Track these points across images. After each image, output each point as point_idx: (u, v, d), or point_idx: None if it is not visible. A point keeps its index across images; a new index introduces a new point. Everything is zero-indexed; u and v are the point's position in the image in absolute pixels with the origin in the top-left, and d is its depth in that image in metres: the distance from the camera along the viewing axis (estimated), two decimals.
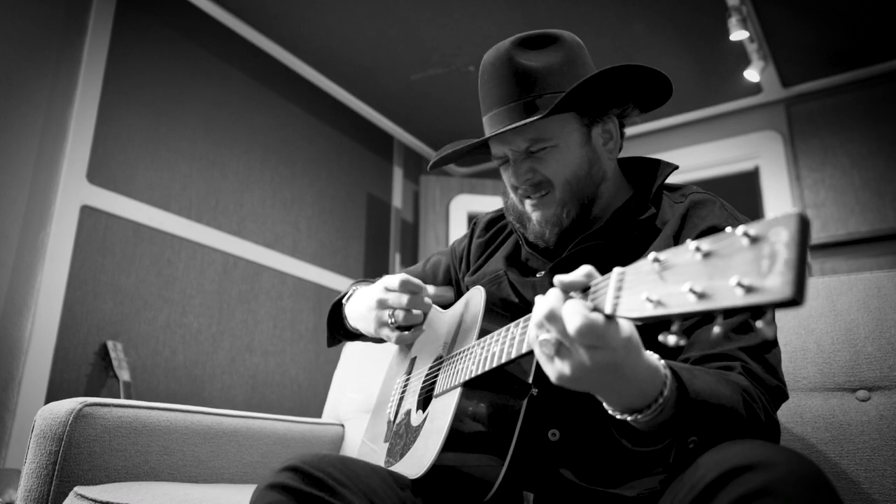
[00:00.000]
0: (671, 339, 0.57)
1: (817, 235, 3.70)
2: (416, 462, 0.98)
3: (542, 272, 1.14)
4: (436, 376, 1.11)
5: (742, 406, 0.80)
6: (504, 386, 0.96)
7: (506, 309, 1.08)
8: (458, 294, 1.38)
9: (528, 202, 1.13)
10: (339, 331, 1.41)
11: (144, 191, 2.96)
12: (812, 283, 1.37)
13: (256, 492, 0.84)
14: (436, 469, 0.92)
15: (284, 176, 3.73)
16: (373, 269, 4.27)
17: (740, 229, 0.50)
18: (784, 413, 1.27)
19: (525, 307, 1.07)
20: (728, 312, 0.50)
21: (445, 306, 1.29)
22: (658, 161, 1.18)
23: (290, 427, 1.69)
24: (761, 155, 4.05)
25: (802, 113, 3.94)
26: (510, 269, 1.19)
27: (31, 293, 2.53)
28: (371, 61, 3.74)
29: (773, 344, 0.94)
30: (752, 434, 0.79)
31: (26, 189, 2.62)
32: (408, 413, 1.18)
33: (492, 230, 1.34)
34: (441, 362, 1.12)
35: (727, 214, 1.03)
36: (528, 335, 0.73)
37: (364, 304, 1.21)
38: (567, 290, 0.70)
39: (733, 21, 3.12)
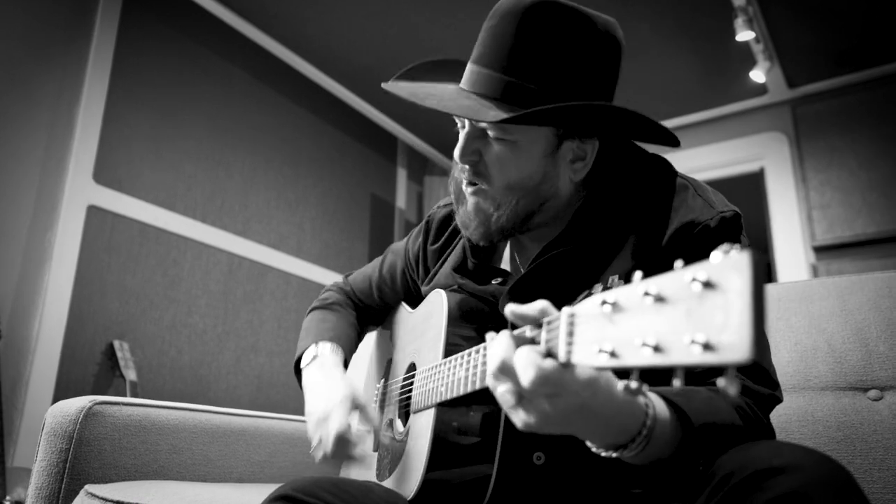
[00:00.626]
0: (633, 385, 0.54)
1: (823, 236, 3.69)
2: (405, 483, 0.98)
3: (499, 279, 1.06)
4: (409, 390, 1.09)
5: (739, 419, 0.78)
6: (479, 404, 0.93)
7: (469, 315, 1.02)
8: (419, 298, 1.29)
9: (466, 188, 1.01)
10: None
11: (150, 191, 2.96)
12: (822, 283, 1.37)
13: None
14: (425, 487, 0.93)
15: (289, 176, 3.73)
16: None
17: (689, 273, 0.46)
18: (796, 412, 1.26)
19: (488, 311, 1.02)
20: (687, 368, 0.47)
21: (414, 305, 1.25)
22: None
23: (297, 426, 1.68)
24: (767, 156, 4.04)
25: (808, 114, 3.93)
26: (462, 280, 1.09)
27: (38, 293, 2.53)
28: (374, 60, 3.74)
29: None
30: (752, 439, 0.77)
31: (33, 189, 2.63)
32: (391, 422, 1.17)
33: (445, 233, 1.23)
34: (413, 375, 1.10)
35: (702, 203, 0.93)
36: (488, 383, 0.68)
37: (315, 405, 1.12)
38: (519, 322, 0.67)
39: (739, 21, 3.11)
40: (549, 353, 0.62)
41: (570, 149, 0.97)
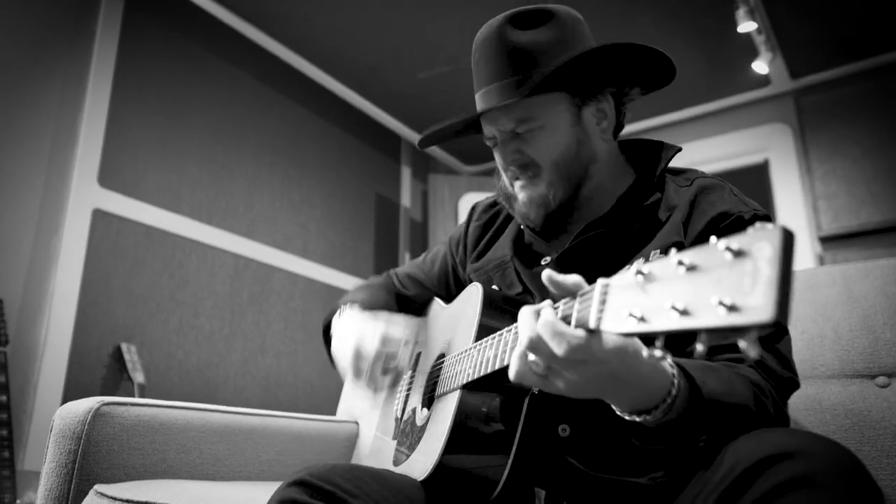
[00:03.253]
0: (657, 353, 0.55)
1: (829, 226, 3.68)
2: (421, 465, 0.98)
3: (548, 258, 1.11)
4: (437, 377, 1.11)
5: (753, 402, 0.79)
6: (504, 387, 0.94)
7: (505, 304, 1.05)
8: (454, 283, 1.35)
9: (517, 184, 1.10)
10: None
11: (155, 194, 2.97)
12: (828, 271, 1.36)
13: None
14: (439, 470, 0.92)
15: (293, 177, 3.73)
16: (382, 270, 4.26)
17: (722, 243, 0.49)
18: (803, 401, 1.26)
19: (525, 300, 1.05)
20: (710, 331, 0.49)
21: (448, 300, 1.27)
22: (661, 143, 1.14)
23: (305, 425, 1.69)
24: (771, 148, 4.03)
25: (812, 104, 3.92)
26: (515, 255, 1.16)
27: (45, 297, 2.54)
28: (377, 60, 3.75)
29: (784, 332, 0.92)
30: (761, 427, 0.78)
31: (38, 194, 2.64)
32: (413, 411, 1.18)
33: (490, 213, 1.31)
34: (443, 361, 1.11)
35: (737, 199, 1.00)
36: (517, 358, 0.72)
37: (345, 343, 1.17)
38: (554, 288, 0.70)
39: (741, 12, 3.10)
40: (580, 324, 0.65)
41: (591, 113, 1.07)
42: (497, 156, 1.11)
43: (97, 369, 2.63)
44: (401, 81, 3.94)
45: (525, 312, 0.70)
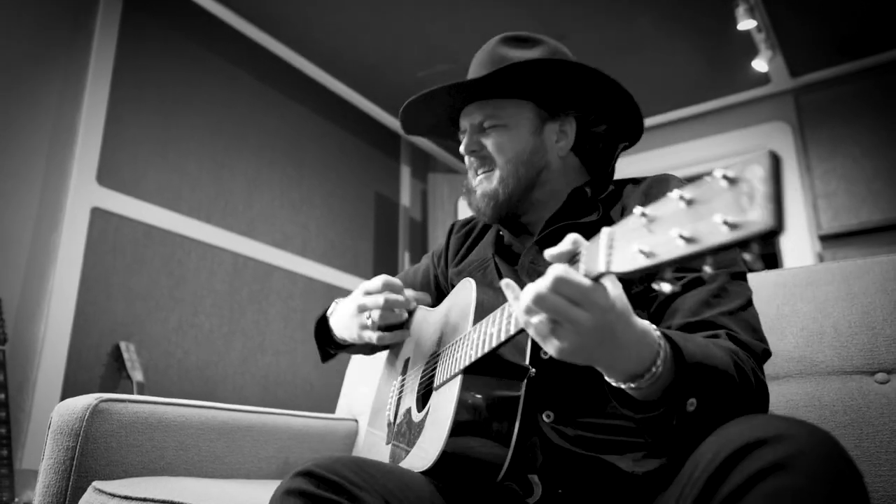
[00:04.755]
0: (665, 287, 0.58)
1: (829, 225, 3.68)
2: (424, 454, 0.98)
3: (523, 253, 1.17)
4: (433, 371, 1.11)
5: (734, 368, 0.81)
6: (503, 370, 0.97)
7: (497, 296, 1.07)
8: (439, 296, 1.38)
9: (475, 179, 1.19)
10: (330, 345, 1.42)
11: (154, 192, 2.97)
12: (827, 268, 1.36)
13: (273, 499, 0.84)
14: (444, 457, 0.93)
15: (292, 176, 3.73)
16: (382, 268, 4.27)
17: (718, 172, 0.52)
18: (802, 397, 1.26)
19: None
20: (716, 251, 0.52)
21: (432, 306, 1.29)
22: (614, 145, 1.22)
23: (304, 423, 1.69)
24: (771, 146, 4.03)
25: (811, 103, 3.92)
26: (497, 255, 1.22)
27: (43, 296, 2.54)
28: (377, 59, 3.75)
29: (749, 303, 0.96)
30: (745, 396, 0.81)
31: (37, 192, 2.64)
32: (408, 412, 1.17)
33: (467, 227, 1.38)
34: (437, 357, 1.12)
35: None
36: (521, 322, 0.75)
37: (346, 311, 1.28)
38: (556, 259, 0.72)
39: (740, 10, 3.10)
40: (587, 275, 0.68)
41: (553, 130, 1.16)
42: (463, 141, 1.20)
43: (96, 368, 2.63)
44: (400, 80, 3.94)
45: (532, 282, 0.72)
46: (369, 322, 1.22)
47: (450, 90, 1.16)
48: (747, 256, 0.51)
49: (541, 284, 0.69)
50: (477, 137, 1.17)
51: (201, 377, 3.03)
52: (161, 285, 2.93)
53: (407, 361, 1.30)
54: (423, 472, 0.95)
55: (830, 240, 3.70)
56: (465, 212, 4.57)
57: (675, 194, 0.56)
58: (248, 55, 3.55)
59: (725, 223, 0.50)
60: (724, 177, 0.52)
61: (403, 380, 1.28)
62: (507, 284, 0.78)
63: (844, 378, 1.25)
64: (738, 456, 0.64)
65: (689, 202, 0.55)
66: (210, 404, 1.50)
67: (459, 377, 0.96)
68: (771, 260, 4.05)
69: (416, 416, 1.12)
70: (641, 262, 0.58)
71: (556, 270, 0.68)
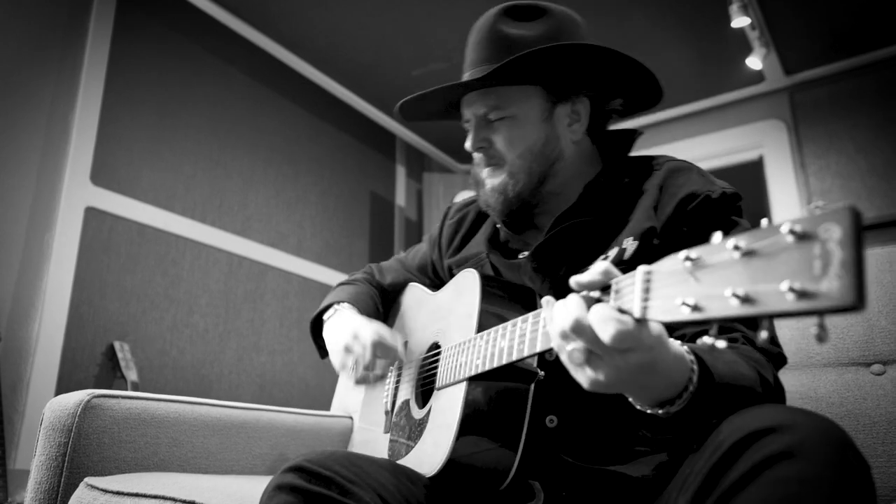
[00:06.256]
0: (708, 341, 0.55)
1: None
2: (428, 459, 0.96)
3: (525, 253, 1.11)
4: (433, 367, 1.09)
5: (759, 384, 0.79)
6: (510, 374, 0.94)
7: (505, 291, 1.04)
8: (438, 283, 1.35)
9: (485, 171, 1.12)
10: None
11: (148, 192, 2.96)
12: None
13: (264, 494, 0.83)
14: (450, 465, 0.91)
15: (288, 175, 3.72)
16: None
17: (785, 226, 0.46)
18: (798, 390, 1.25)
19: (520, 287, 1.05)
20: (776, 317, 0.47)
21: (437, 287, 1.26)
22: (629, 130, 1.16)
23: (298, 419, 1.68)
24: (765, 144, 4.03)
25: (806, 101, 3.92)
26: (492, 251, 1.17)
27: (37, 295, 2.53)
28: (372, 58, 3.74)
29: None
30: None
31: (31, 191, 2.62)
32: (406, 404, 1.16)
33: (462, 212, 1.32)
34: (438, 352, 1.09)
35: (704, 180, 1.00)
36: (553, 344, 0.70)
37: (335, 338, 1.22)
38: (584, 289, 0.68)
39: (734, 8, 3.10)
40: (621, 311, 0.62)
41: (565, 113, 1.08)
42: (469, 137, 1.12)
43: (90, 367, 2.61)
44: (396, 79, 3.93)
45: (569, 300, 0.68)
46: (350, 368, 1.17)
47: (452, 88, 1.09)
48: (813, 329, 0.46)
49: (580, 312, 0.65)
50: (484, 133, 1.10)
51: (196, 376, 3.02)
52: (156, 284, 2.92)
53: (405, 345, 1.27)
54: (429, 478, 0.94)
55: None
56: None
57: (728, 242, 0.50)
58: (243, 54, 3.55)
59: (792, 290, 0.44)
60: (792, 231, 0.45)
61: (400, 367, 1.26)
62: (547, 301, 0.73)
63: (840, 370, 1.25)
64: (745, 444, 0.63)
65: (746, 253, 0.49)
66: (203, 400, 1.49)
67: (465, 384, 0.94)
68: None
69: (417, 413, 1.10)
70: (686, 315, 0.53)
71: (600, 312, 0.63)
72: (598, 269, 0.67)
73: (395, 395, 1.24)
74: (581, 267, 0.70)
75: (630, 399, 0.72)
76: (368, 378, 1.16)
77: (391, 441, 1.16)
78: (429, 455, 0.97)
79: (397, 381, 1.25)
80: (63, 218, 2.62)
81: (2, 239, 2.52)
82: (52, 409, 1.27)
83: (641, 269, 0.60)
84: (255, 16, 3.44)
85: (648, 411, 0.72)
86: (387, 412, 1.24)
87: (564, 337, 0.67)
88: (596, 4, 3.25)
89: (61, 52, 2.79)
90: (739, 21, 3.15)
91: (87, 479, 1.20)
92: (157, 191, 3.00)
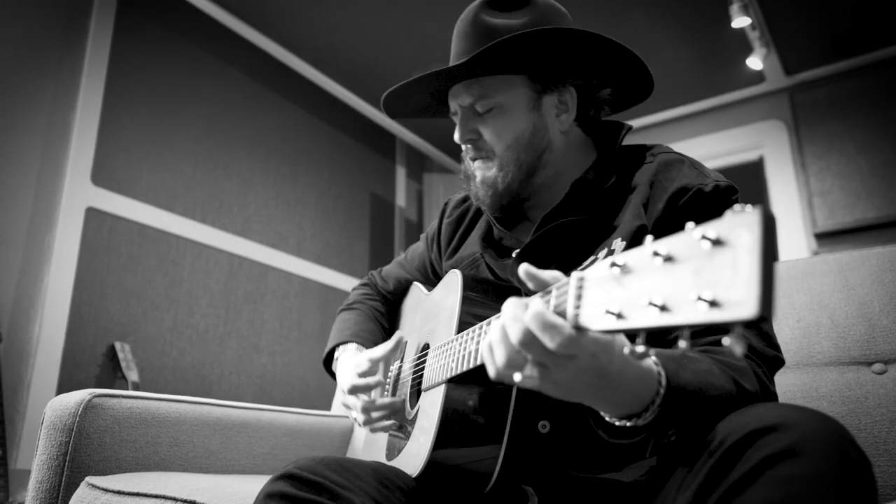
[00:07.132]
0: (639, 349, 0.52)
1: (824, 223, 3.68)
2: (412, 461, 0.97)
3: (517, 251, 1.09)
4: (422, 369, 1.09)
5: (735, 393, 0.77)
6: (489, 380, 0.94)
7: (485, 292, 1.03)
8: (433, 276, 1.36)
9: (475, 164, 1.11)
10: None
11: (149, 192, 2.96)
12: (824, 260, 1.36)
13: (256, 502, 0.82)
14: (430, 466, 0.91)
15: (287, 176, 3.72)
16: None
17: (698, 231, 0.45)
18: (800, 388, 1.25)
19: (504, 287, 1.04)
20: (693, 327, 0.46)
21: (433, 284, 1.26)
22: (615, 122, 1.13)
23: (299, 419, 1.68)
24: (766, 144, 4.03)
25: (806, 101, 3.92)
26: (486, 250, 1.15)
27: (38, 295, 2.53)
28: (371, 58, 3.74)
29: None
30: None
31: (31, 192, 2.62)
32: (403, 403, 1.17)
33: (461, 209, 1.30)
34: (426, 353, 1.10)
35: (697, 172, 0.98)
36: (500, 357, 0.68)
37: (341, 378, 1.22)
38: (531, 282, 0.66)
39: (734, 8, 3.10)
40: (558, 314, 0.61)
41: (552, 103, 1.07)
42: (456, 128, 1.10)
43: (91, 368, 2.61)
44: (396, 79, 3.87)
45: (510, 303, 0.66)
46: (354, 421, 1.18)
47: (435, 77, 1.07)
48: (726, 340, 0.44)
49: (523, 323, 0.62)
50: (471, 124, 1.08)
51: (197, 377, 3.01)
52: (156, 285, 2.92)
53: (405, 346, 1.29)
54: (415, 479, 0.94)
55: (826, 238, 3.71)
56: None
57: (650, 248, 0.50)
58: (243, 55, 3.55)
59: (702, 299, 0.43)
60: (706, 237, 0.45)
61: (401, 365, 1.27)
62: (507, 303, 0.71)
63: (842, 369, 1.25)
64: (746, 443, 0.62)
65: (666, 258, 0.48)
66: (204, 400, 1.49)
67: (443, 386, 0.94)
68: None
69: (409, 414, 1.11)
70: (612, 324, 0.52)
71: (538, 315, 0.61)
72: (549, 273, 0.66)
73: (394, 395, 1.24)
74: (570, 267, 0.69)
75: (600, 412, 0.71)
76: (372, 421, 1.14)
77: (390, 440, 1.16)
78: (413, 457, 0.97)
79: (396, 381, 1.25)
80: (64, 218, 2.61)
81: (2, 239, 2.52)
82: (53, 409, 1.27)
83: (575, 275, 0.59)
84: (255, 16, 3.44)
85: (617, 423, 0.71)
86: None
87: (512, 347, 0.65)
88: (596, 4, 3.25)
89: (61, 52, 2.79)
90: (740, 21, 3.16)
91: (88, 479, 1.20)
92: (158, 191, 3.00)
